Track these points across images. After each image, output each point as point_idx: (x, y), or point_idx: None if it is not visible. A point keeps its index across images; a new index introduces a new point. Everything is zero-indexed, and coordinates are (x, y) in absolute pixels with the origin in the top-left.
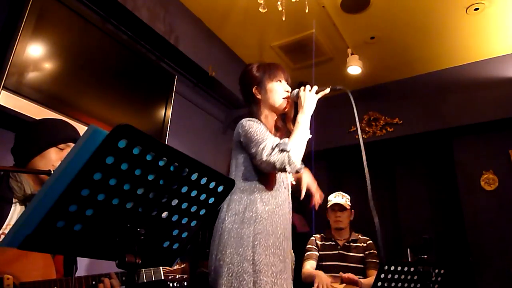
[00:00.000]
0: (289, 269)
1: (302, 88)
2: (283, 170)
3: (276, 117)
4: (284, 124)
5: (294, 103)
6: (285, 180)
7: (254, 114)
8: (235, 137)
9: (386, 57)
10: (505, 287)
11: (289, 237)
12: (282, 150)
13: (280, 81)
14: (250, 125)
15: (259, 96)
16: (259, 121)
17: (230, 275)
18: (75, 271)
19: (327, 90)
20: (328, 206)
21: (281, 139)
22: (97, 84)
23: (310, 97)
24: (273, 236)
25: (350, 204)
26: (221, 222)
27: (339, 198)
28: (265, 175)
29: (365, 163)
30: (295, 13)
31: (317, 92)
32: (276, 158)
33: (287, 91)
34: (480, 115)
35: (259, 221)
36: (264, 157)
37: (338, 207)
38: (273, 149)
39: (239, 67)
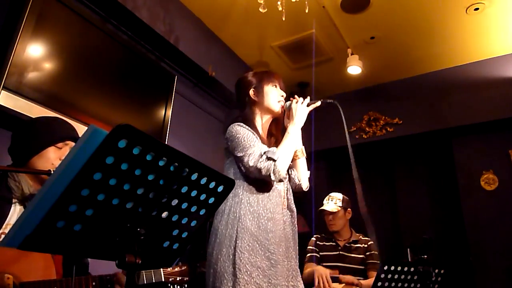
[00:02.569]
0: (288, 275)
1: (295, 100)
2: (268, 177)
3: (270, 121)
4: (278, 131)
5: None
6: (279, 187)
7: (248, 116)
8: (225, 142)
9: (386, 57)
10: (505, 287)
11: (285, 244)
12: (269, 158)
13: (276, 86)
14: (237, 130)
15: (255, 98)
16: (248, 127)
17: (214, 275)
18: (74, 271)
19: (318, 103)
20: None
21: (274, 144)
22: (97, 84)
23: (301, 109)
24: (261, 238)
25: (341, 205)
26: (213, 224)
27: (327, 203)
28: (250, 180)
29: (355, 175)
30: (295, 13)
31: (308, 105)
32: (263, 165)
33: (282, 96)
34: (480, 115)
35: (242, 222)
36: (251, 163)
37: (327, 211)
38: (260, 156)
39: (239, 67)
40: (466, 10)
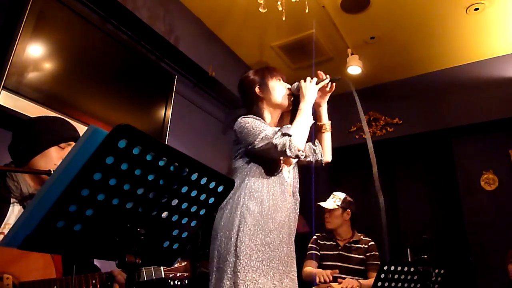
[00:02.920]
0: (285, 260)
1: (302, 80)
2: (284, 153)
3: (279, 116)
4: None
5: (293, 102)
6: (284, 178)
7: (257, 114)
8: (233, 136)
9: (386, 57)
10: (505, 287)
11: (286, 230)
12: (284, 134)
13: (280, 79)
14: (245, 121)
15: (262, 95)
16: (257, 117)
17: (218, 257)
18: (74, 270)
19: (327, 80)
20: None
21: None
22: (97, 84)
23: (311, 87)
24: (262, 223)
25: (340, 204)
26: (218, 212)
27: (328, 201)
28: (257, 167)
29: (372, 157)
30: (295, 13)
31: (317, 83)
32: (278, 141)
33: (288, 88)
34: (480, 115)
35: (245, 206)
36: (265, 142)
37: (324, 208)
38: (275, 133)
39: (239, 67)
40: (466, 10)
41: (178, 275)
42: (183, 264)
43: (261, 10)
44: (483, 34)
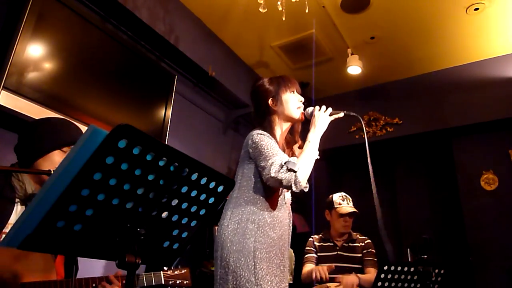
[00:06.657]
0: (287, 277)
1: (317, 107)
2: (289, 188)
3: (289, 128)
4: (293, 138)
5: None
6: (286, 196)
7: (268, 126)
8: (244, 147)
9: (386, 57)
10: (505, 287)
11: (288, 246)
12: (290, 170)
13: (294, 92)
14: (261, 138)
15: (275, 108)
16: (270, 136)
17: (234, 282)
18: (76, 272)
19: (341, 114)
20: (343, 213)
21: (291, 150)
22: (97, 84)
23: (323, 118)
24: (275, 247)
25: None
26: (224, 229)
27: (347, 204)
28: (270, 189)
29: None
30: (295, 13)
31: (330, 114)
32: (283, 176)
33: (301, 101)
34: (480, 115)
35: (260, 233)
36: (272, 174)
37: (351, 213)
38: (281, 166)
39: (239, 67)
40: (466, 10)
41: (178, 282)
42: (183, 271)
43: (261, 10)
44: (483, 34)
